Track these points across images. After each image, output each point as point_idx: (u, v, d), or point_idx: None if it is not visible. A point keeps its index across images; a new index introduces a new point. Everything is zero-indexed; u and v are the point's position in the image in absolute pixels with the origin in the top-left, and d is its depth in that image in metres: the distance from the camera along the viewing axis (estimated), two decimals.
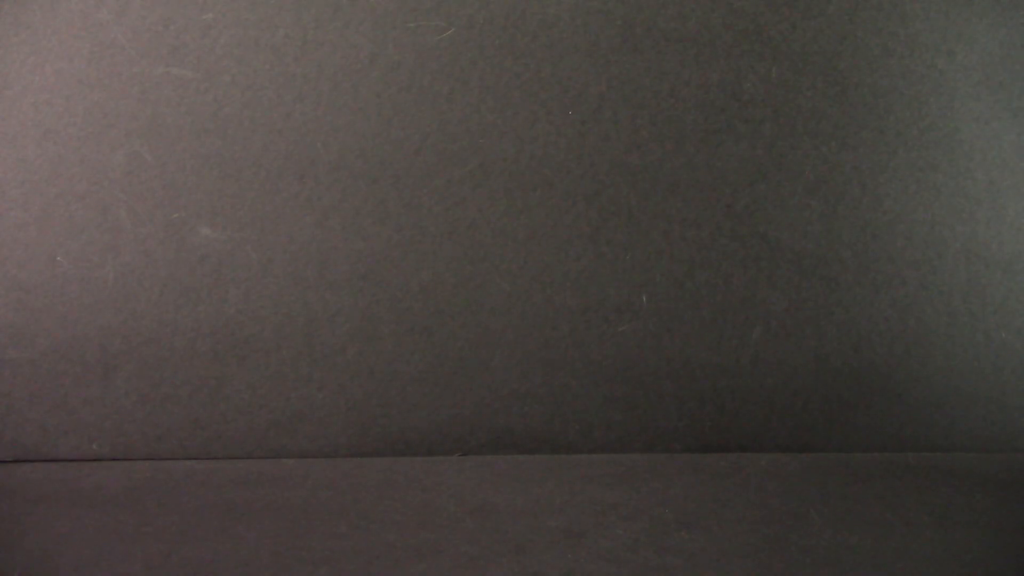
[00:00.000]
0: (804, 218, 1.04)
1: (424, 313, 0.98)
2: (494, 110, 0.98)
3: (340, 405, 0.97)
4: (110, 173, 0.91)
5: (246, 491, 0.87)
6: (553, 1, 0.97)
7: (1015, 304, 1.10)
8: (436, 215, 0.98)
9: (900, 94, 1.04)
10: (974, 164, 1.07)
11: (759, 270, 1.04)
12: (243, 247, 0.94)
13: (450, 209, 0.98)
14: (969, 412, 1.10)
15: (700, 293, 1.04)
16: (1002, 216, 1.08)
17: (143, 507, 0.82)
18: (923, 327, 1.08)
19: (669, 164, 1.01)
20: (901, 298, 1.08)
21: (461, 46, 0.96)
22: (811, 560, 0.79)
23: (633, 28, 0.99)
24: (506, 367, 1.00)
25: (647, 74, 0.99)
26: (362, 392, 0.98)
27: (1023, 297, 1.10)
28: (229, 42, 0.92)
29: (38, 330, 0.91)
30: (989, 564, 0.80)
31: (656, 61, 0.99)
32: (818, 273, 1.06)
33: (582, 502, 0.89)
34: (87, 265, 0.92)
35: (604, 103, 0.99)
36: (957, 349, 1.09)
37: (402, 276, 0.98)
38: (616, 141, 1.00)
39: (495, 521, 0.84)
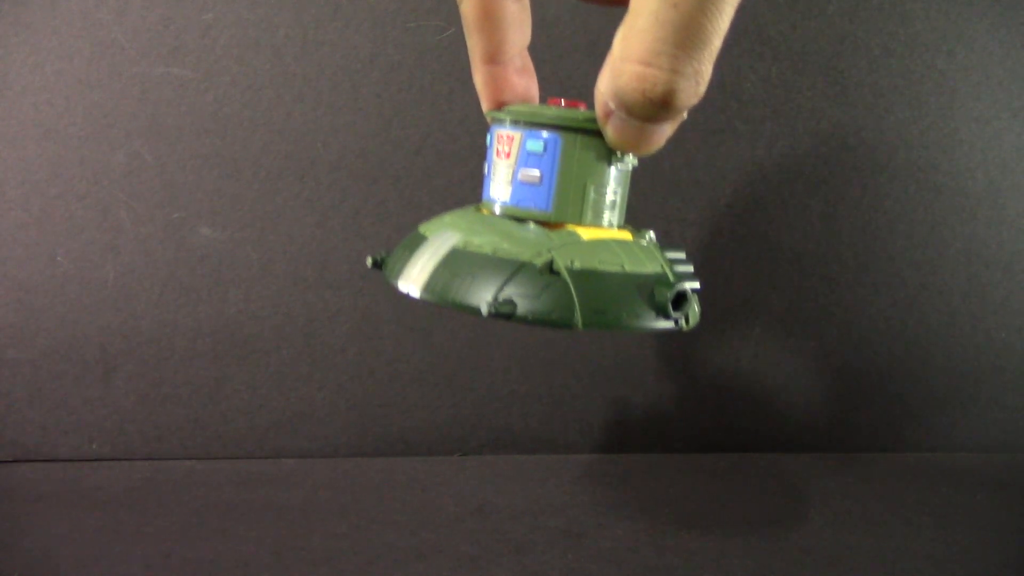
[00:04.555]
0: (804, 218, 1.04)
1: (424, 313, 0.98)
2: None
3: (340, 405, 0.97)
4: (110, 173, 0.91)
5: (246, 491, 0.87)
6: (553, 1, 0.97)
7: (1015, 304, 1.10)
8: (436, 215, 0.98)
9: (900, 94, 1.04)
10: (974, 164, 1.07)
11: (759, 270, 1.04)
12: (243, 247, 0.94)
13: (450, 209, 0.98)
14: (969, 412, 1.10)
15: (700, 293, 1.04)
16: (1002, 216, 1.08)
17: (143, 507, 0.82)
18: (923, 327, 1.08)
19: (669, 164, 1.01)
20: (901, 298, 1.08)
21: (461, 46, 0.96)
22: (811, 560, 0.79)
23: None
24: (506, 367, 1.00)
25: None
26: (362, 392, 0.98)
27: (1023, 297, 1.10)
28: (229, 42, 0.92)
29: (38, 330, 0.91)
30: (989, 564, 0.81)
31: None
32: (818, 273, 1.06)
33: (582, 502, 0.89)
34: (87, 265, 0.92)
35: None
36: (957, 349, 1.09)
37: None
38: None
39: (495, 521, 0.84)
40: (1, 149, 0.89)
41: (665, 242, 0.54)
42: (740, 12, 1.12)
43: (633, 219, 1.08)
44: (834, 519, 0.88)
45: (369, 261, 0.58)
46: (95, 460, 0.93)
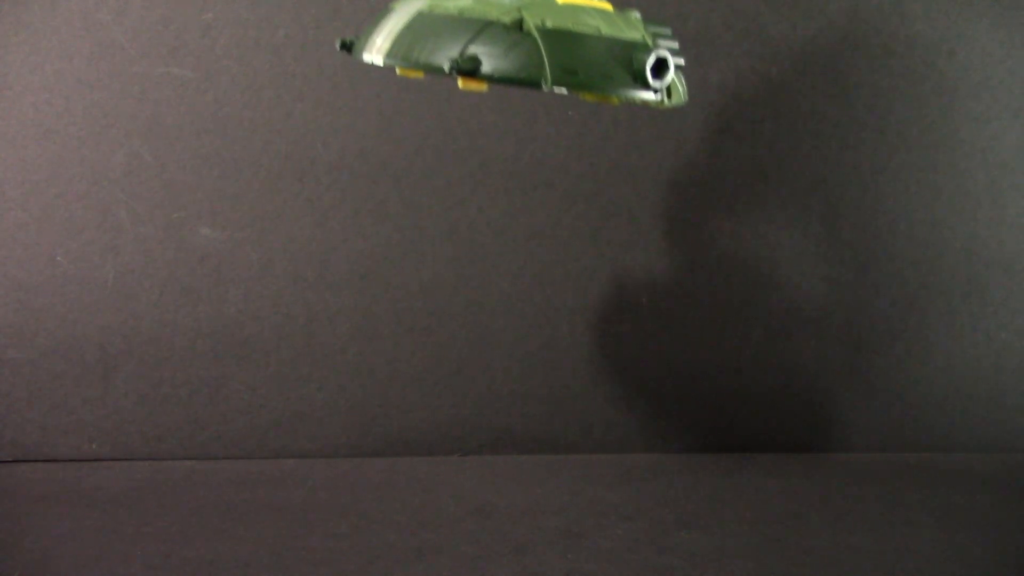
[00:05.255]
0: (804, 218, 1.04)
1: (424, 313, 0.98)
2: (494, 110, 0.98)
3: (340, 405, 0.97)
4: (110, 173, 0.91)
5: (246, 491, 0.87)
6: None
7: (1015, 304, 1.10)
8: (436, 215, 0.98)
9: (900, 94, 1.04)
10: (974, 164, 1.07)
11: (759, 270, 1.04)
12: (243, 247, 0.94)
13: (450, 209, 0.98)
14: (969, 412, 1.10)
15: (700, 293, 1.04)
16: (1002, 216, 1.08)
17: (143, 507, 0.82)
18: (923, 327, 1.08)
19: (669, 164, 1.01)
20: (901, 298, 1.08)
21: None
22: (811, 560, 0.79)
23: None
24: (506, 367, 1.00)
25: None
26: (362, 392, 0.98)
27: (1023, 297, 1.10)
28: (229, 42, 0.92)
29: (38, 330, 0.91)
30: (989, 564, 0.80)
31: None
32: (818, 273, 1.05)
33: (582, 502, 0.89)
34: (87, 265, 0.92)
35: (604, 103, 0.99)
36: (957, 349, 1.09)
37: (402, 276, 0.98)
38: (616, 141, 1.00)
39: (495, 521, 0.84)
40: (1, 149, 0.89)
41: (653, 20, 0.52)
42: (740, 12, 1.13)
43: (633, 219, 1.08)
44: (834, 519, 0.88)
45: (338, 43, 0.56)
46: (95, 460, 0.93)
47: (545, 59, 0.46)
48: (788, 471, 1.01)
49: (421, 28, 0.49)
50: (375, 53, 0.50)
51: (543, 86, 0.45)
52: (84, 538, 0.76)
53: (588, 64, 0.46)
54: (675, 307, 1.03)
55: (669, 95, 0.49)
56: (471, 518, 0.84)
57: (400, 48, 0.48)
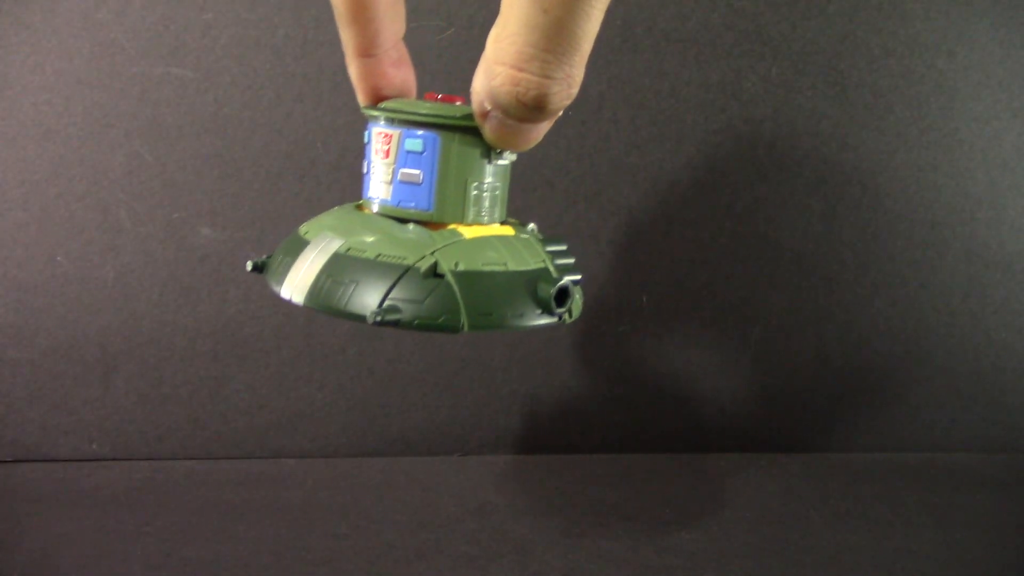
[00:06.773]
0: (804, 218, 1.04)
1: None
2: None
3: (340, 405, 0.97)
4: (110, 173, 0.91)
5: (246, 491, 0.87)
6: None
7: (1015, 304, 1.10)
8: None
9: (900, 94, 1.04)
10: (974, 164, 1.07)
11: (759, 270, 1.04)
12: (243, 247, 0.94)
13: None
14: (969, 412, 1.10)
15: (700, 293, 1.04)
16: (1002, 216, 1.08)
17: (143, 507, 0.82)
18: (923, 327, 1.08)
19: (669, 164, 1.01)
20: (901, 298, 1.08)
21: (461, 46, 0.96)
22: (811, 560, 0.79)
23: (633, 28, 0.99)
24: (506, 367, 1.00)
25: (647, 74, 0.99)
26: (362, 392, 0.98)
27: (1023, 297, 1.10)
28: (229, 42, 0.92)
29: (38, 330, 0.91)
30: (989, 564, 0.81)
31: (656, 61, 0.99)
32: (818, 273, 1.06)
33: (582, 502, 0.89)
34: (87, 265, 0.92)
35: (604, 103, 0.99)
36: (957, 349, 1.09)
37: None
38: (616, 141, 1.00)
39: (495, 521, 0.84)
40: (1, 149, 0.89)
41: (548, 235, 0.54)
42: (740, 12, 1.12)
43: (633, 219, 1.09)
44: (834, 519, 0.88)
45: (249, 265, 0.57)
46: (95, 460, 0.93)
47: (461, 304, 0.47)
48: (788, 471, 1.01)
49: (339, 272, 0.50)
50: (294, 290, 0.51)
51: (460, 331, 0.47)
52: (84, 538, 0.76)
53: (499, 303, 0.49)
54: (675, 307, 1.03)
55: (571, 314, 0.51)
56: (471, 518, 0.84)
57: (319, 292, 0.50)
